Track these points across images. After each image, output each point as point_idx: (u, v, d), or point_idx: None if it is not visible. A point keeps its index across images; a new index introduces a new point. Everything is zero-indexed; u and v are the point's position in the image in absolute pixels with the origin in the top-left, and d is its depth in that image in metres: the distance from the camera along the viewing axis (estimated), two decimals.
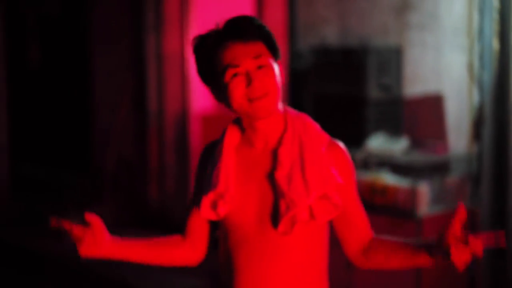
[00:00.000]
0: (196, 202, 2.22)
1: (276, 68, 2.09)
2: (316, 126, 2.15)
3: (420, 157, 4.69)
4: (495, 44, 4.36)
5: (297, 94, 5.65)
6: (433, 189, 4.56)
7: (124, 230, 7.52)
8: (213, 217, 2.15)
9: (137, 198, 7.60)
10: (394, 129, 4.99)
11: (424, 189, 4.51)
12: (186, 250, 2.35)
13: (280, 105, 2.13)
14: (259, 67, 2.05)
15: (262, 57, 2.06)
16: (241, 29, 2.08)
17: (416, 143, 4.89)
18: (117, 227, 7.82)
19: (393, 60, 5.01)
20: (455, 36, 4.85)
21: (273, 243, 2.09)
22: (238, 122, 2.18)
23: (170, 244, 2.36)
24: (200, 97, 7.63)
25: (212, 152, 2.20)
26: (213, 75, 2.11)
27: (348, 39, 5.37)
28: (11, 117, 9.35)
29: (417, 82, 5.07)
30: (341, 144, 2.15)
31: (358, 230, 2.18)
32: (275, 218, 2.07)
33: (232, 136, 2.17)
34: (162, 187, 7.53)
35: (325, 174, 2.05)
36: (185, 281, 5.65)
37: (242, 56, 2.05)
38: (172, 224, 7.36)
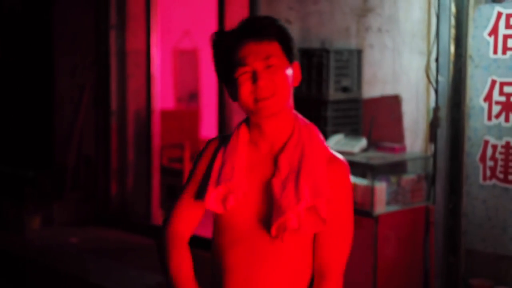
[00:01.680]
0: (199, 192, 2.21)
1: (288, 69, 2.11)
2: (321, 138, 2.17)
3: (378, 157, 4.77)
4: (452, 48, 4.46)
5: None
6: (390, 188, 4.66)
7: (85, 227, 7.55)
8: (219, 209, 2.15)
9: (98, 195, 7.60)
10: (353, 129, 5.07)
11: (382, 188, 4.60)
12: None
13: (290, 109, 2.16)
14: (268, 67, 2.08)
15: (272, 58, 2.08)
16: (258, 28, 2.10)
17: (374, 144, 4.98)
18: (77, 224, 7.84)
19: (353, 61, 5.10)
20: (413, 40, 4.96)
21: (264, 246, 2.11)
22: (248, 121, 2.20)
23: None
24: (161, 95, 7.66)
25: (220, 147, 2.21)
26: (227, 72, 2.13)
27: (309, 41, 5.44)
28: None
29: (376, 84, 5.16)
30: (344, 162, 2.15)
31: (322, 252, 2.14)
32: (268, 222, 2.09)
33: (245, 136, 2.19)
34: (122, 184, 7.54)
35: (318, 186, 2.06)
36: (147, 277, 5.67)
37: (252, 55, 2.08)
38: (133, 221, 7.38)
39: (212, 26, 7.07)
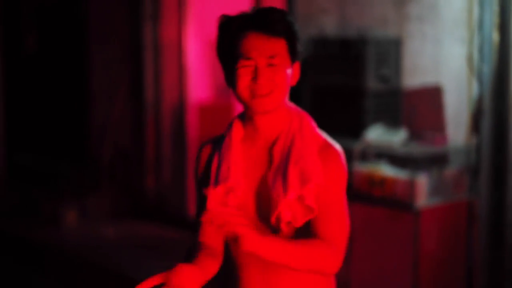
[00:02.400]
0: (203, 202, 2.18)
1: (289, 69, 2.09)
2: (312, 125, 2.14)
3: (418, 149, 4.68)
4: (495, 36, 4.35)
5: (295, 85, 5.63)
6: (431, 181, 4.55)
7: (120, 221, 7.57)
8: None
9: (134, 189, 7.59)
10: (392, 121, 4.97)
11: (423, 181, 4.50)
12: (212, 261, 2.21)
13: (285, 104, 2.13)
14: (270, 65, 2.05)
15: (277, 57, 2.05)
16: (267, 22, 2.06)
17: (415, 135, 4.88)
18: (113, 217, 7.87)
19: (392, 51, 5.00)
20: (455, 28, 4.83)
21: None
22: (242, 117, 2.18)
23: (209, 258, 2.21)
24: (197, 87, 7.61)
25: (214, 149, 2.20)
26: (229, 58, 2.10)
27: (347, 30, 5.35)
28: (7, 107, 9.34)
29: (416, 74, 5.05)
30: (337, 148, 2.12)
31: (315, 231, 2.08)
32: (268, 214, 2.08)
33: (238, 132, 2.17)
34: (158, 177, 7.52)
35: (306, 173, 2.03)
36: None
37: (258, 51, 2.04)
38: (169, 214, 7.35)
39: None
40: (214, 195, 2.11)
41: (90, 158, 8.05)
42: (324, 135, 2.14)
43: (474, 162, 4.63)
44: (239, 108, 8.18)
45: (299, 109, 2.18)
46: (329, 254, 2.03)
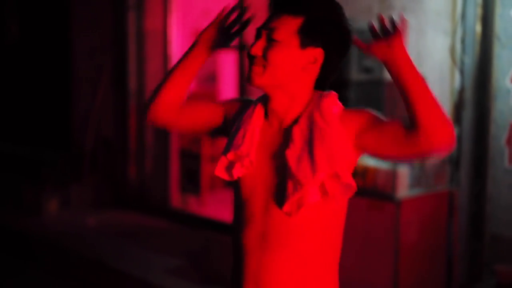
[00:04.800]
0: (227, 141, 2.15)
1: (296, 51, 2.00)
2: (329, 100, 2.03)
3: None
4: (478, 28, 4.36)
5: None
6: (412, 172, 4.57)
7: (102, 210, 7.53)
8: (226, 177, 2.09)
9: (116, 178, 7.56)
10: (375, 111, 4.98)
11: (404, 172, 4.51)
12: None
13: (300, 90, 2.04)
14: (271, 40, 2.00)
15: (279, 32, 1.99)
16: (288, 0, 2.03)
17: None
18: (96, 206, 7.82)
19: None
20: (438, 20, 4.84)
21: (278, 224, 2.01)
22: (265, 99, 2.12)
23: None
24: None
25: (241, 109, 2.17)
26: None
27: None
28: None
29: None
30: (361, 108, 2.05)
31: (392, 131, 1.96)
32: (282, 197, 2.00)
33: (261, 111, 2.11)
34: (141, 166, 7.50)
35: (335, 152, 1.95)
36: (165, 260, 5.63)
37: (267, 24, 2.02)
38: (151, 203, 7.34)
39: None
40: (223, 160, 2.08)
41: (73, 146, 8.01)
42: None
43: (455, 153, 4.65)
44: (223, 96, 8.14)
45: (324, 91, 2.08)
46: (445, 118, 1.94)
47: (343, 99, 4.90)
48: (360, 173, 4.61)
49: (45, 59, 8.82)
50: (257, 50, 2.01)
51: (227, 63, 8.49)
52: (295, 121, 2.04)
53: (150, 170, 7.48)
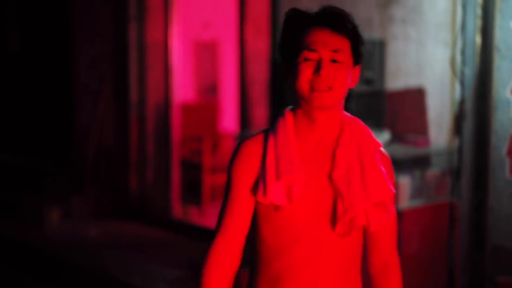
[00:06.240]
0: (255, 190, 2.09)
1: (350, 70, 2.07)
2: (370, 131, 2.16)
3: (401, 151, 4.70)
4: (478, 39, 4.37)
5: (280, 87, 5.65)
6: (413, 183, 4.58)
7: (104, 220, 7.53)
8: (284, 202, 2.05)
9: (117, 188, 7.57)
10: (376, 123, 5.00)
11: (405, 183, 4.52)
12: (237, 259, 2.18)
13: (342, 105, 2.12)
14: (333, 61, 2.04)
15: (341, 54, 2.04)
16: (335, 19, 2.06)
17: (398, 137, 4.90)
18: (97, 217, 7.82)
19: (376, 53, 5.02)
20: (438, 31, 4.86)
21: (327, 244, 2.07)
22: (293, 111, 2.13)
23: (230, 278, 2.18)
24: (181, 87, 7.60)
25: (264, 144, 2.11)
26: (291, 51, 2.09)
27: None
28: None
29: (399, 76, 5.07)
30: (388, 156, 2.18)
31: (384, 244, 2.22)
32: (332, 219, 2.06)
33: (291, 126, 2.11)
34: (142, 177, 7.50)
35: (383, 181, 2.06)
36: (166, 271, 5.63)
37: (322, 43, 2.03)
38: (152, 214, 7.34)
39: (232, 18, 7.00)
40: (276, 187, 2.04)
41: (74, 157, 8.02)
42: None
43: (456, 164, 4.65)
44: (223, 108, 8.15)
45: (350, 115, 2.17)
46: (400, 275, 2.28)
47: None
48: None
49: (47, 70, 8.83)
50: (329, 72, 2.03)
51: (228, 74, 8.51)
52: (337, 143, 2.10)
53: (151, 180, 7.49)
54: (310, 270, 2.07)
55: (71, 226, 7.09)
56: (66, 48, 8.28)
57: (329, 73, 2.02)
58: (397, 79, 5.08)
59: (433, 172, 4.69)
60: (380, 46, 5.06)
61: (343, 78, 2.04)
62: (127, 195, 7.51)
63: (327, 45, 2.03)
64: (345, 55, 2.05)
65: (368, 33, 5.19)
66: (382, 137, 4.76)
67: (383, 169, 2.09)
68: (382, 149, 2.16)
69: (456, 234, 4.54)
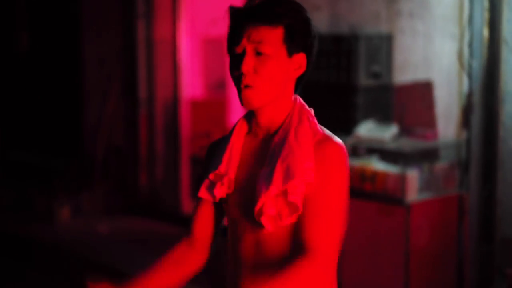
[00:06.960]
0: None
1: (284, 60, 1.96)
2: (311, 120, 2.01)
3: (409, 144, 4.70)
4: (485, 32, 4.37)
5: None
6: (422, 176, 4.58)
7: (114, 217, 7.56)
8: (209, 198, 2.08)
9: (127, 184, 7.60)
10: (384, 116, 5.00)
11: (413, 176, 4.52)
12: (193, 256, 2.26)
13: (287, 98, 2.02)
14: (259, 54, 1.94)
15: (265, 44, 1.94)
16: (264, 10, 1.95)
17: (406, 130, 4.91)
18: (107, 213, 7.86)
19: (383, 47, 5.02)
20: (445, 24, 4.86)
21: (258, 236, 2.01)
22: (250, 112, 2.08)
23: (177, 260, 2.29)
24: (190, 84, 7.62)
25: (218, 145, 2.13)
26: (228, 49, 2.04)
27: (338, 27, 5.37)
28: (0, 104, 9.33)
29: (407, 70, 5.07)
30: (336, 144, 1.95)
31: (303, 231, 1.92)
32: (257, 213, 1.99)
33: (242, 126, 2.08)
34: (151, 173, 7.53)
35: (293, 169, 1.90)
36: None
37: (247, 35, 1.95)
38: (161, 210, 7.37)
39: None
40: (205, 182, 2.07)
41: (83, 154, 8.06)
42: (326, 132, 1.99)
43: (464, 157, 4.66)
44: (232, 104, 8.18)
45: (303, 103, 2.06)
46: (312, 271, 1.89)
47: (351, 104, 4.91)
48: (370, 178, 4.62)
49: (55, 68, 8.87)
50: (249, 67, 1.95)
51: None
52: (276, 133, 2.01)
53: (161, 176, 7.51)
54: (250, 265, 2.04)
55: (81, 222, 7.13)
56: (74, 46, 8.31)
57: (250, 68, 1.94)
58: (405, 72, 5.08)
59: (441, 165, 4.69)
60: (388, 40, 5.06)
61: (269, 71, 1.94)
62: (136, 192, 7.54)
63: (249, 36, 1.94)
64: (272, 46, 1.93)
65: (375, 27, 5.20)
66: (390, 130, 4.77)
67: (301, 159, 1.90)
68: (333, 137, 1.96)
69: (465, 227, 4.55)
